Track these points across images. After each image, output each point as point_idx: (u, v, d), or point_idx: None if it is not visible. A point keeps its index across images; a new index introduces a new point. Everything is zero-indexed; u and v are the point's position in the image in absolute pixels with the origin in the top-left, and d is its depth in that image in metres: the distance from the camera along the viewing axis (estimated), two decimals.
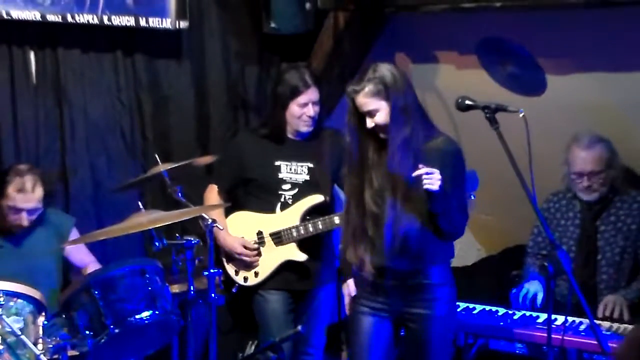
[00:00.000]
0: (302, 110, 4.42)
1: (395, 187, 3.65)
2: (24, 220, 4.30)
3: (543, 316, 4.18)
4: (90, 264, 4.56)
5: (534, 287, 4.37)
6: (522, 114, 3.27)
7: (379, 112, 3.63)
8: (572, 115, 4.75)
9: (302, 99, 4.41)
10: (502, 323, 4.15)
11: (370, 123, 3.65)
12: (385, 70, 3.65)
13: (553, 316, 3.88)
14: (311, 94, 4.43)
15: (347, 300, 4.11)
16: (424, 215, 3.65)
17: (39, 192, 4.31)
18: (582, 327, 4.06)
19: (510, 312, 4.29)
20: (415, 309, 3.77)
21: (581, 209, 4.53)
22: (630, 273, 4.44)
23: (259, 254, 4.48)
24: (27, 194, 4.26)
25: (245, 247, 4.46)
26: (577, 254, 4.50)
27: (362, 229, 3.73)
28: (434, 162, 3.57)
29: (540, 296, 4.33)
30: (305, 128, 4.47)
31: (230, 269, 4.55)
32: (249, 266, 4.49)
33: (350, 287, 4.05)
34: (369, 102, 3.63)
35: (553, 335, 3.42)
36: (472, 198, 4.23)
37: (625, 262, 4.43)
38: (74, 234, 4.52)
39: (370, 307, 3.81)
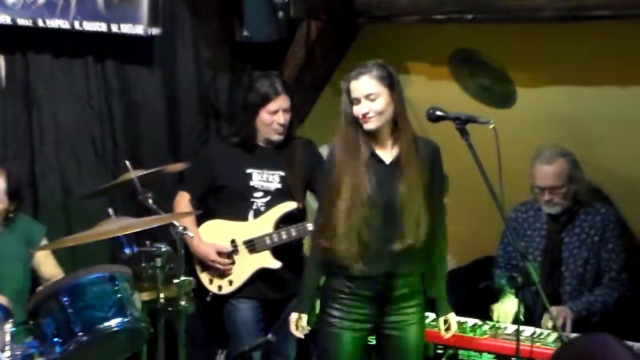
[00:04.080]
0: (272, 118, 4.43)
1: (403, 184, 3.67)
2: None
3: (512, 327, 4.21)
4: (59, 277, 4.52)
5: (509, 305, 4.37)
6: (492, 125, 3.30)
7: (380, 97, 3.65)
8: (542, 127, 4.79)
9: (272, 106, 4.42)
10: (471, 334, 4.17)
11: (365, 108, 3.64)
12: (385, 63, 3.73)
13: (521, 327, 3.92)
14: (281, 102, 4.43)
15: (298, 334, 3.94)
16: (426, 217, 3.69)
17: (2, 184, 4.26)
18: (551, 338, 4.08)
19: (479, 322, 4.31)
20: (399, 316, 3.80)
21: (547, 221, 4.56)
22: (593, 284, 4.47)
23: (233, 262, 4.47)
24: None
25: (219, 254, 4.45)
26: (542, 265, 4.53)
27: (355, 229, 3.69)
28: (430, 160, 3.74)
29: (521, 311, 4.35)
30: (276, 136, 4.48)
31: (204, 277, 4.53)
32: (223, 274, 4.48)
33: (302, 327, 3.91)
34: (372, 84, 3.65)
35: (521, 347, 3.43)
36: (445, 201, 4.25)
37: (588, 273, 4.47)
38: (44, 244, 4.49)
39: (350, 320, 3.79)
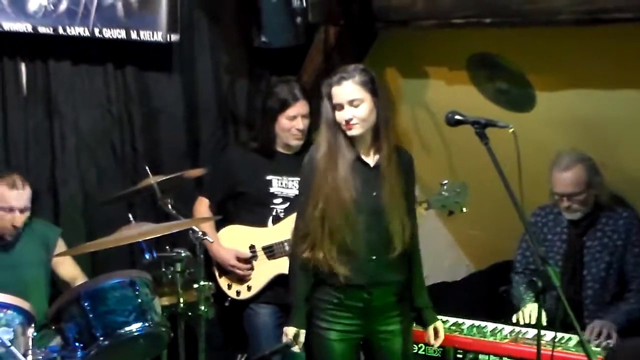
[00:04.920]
0: (291, 124, 4.44)
1: (385, 190, 3.66)
2: (18, 220, 4.30)
3: (532, 331, 4.20)
4: (78, 277, 4.55)
5: (530, 310, 4.37)
6: (512, 129, 3.29)
7: (363, 103, 3.61)
8: (561, 131, 4.77)
9: (291, 111, 4.43)
10: (491, 338, 4.16)
11: (348, 114, 3.60)
12: (367, 68, 3.70)
13: (542, 331, 3.91)
14: (300, 108, 4.44)
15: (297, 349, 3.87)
16: (407, 224, 3.70)
17: (29, 190, 4.34)
18: (572, 342, 4.07)
19: (499, 327, 4.29)
20: (386, 325, 3.80)
21: (568, 224, 4.54)
22: (615, 289, 4.45)
23: (252, 268, 4.48)
24: (19, 191, 4.28)
25: (239, 259, 4.46)
26: (564, 269, 4.51)
27: (336, 235, 3.67)
28: (406, 169, 3.75)
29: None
30: (294, 142, 4.49)
31: (222, 282, 4.55)
32: (241, 280, 4.49)
33: (301, 338, 3.82)
34: (355, 90, 3.61)
35: (542, 351, 3.42)
36: (464, 211, 4.26)
37: (610, 277, 4.45)
38: (60, 245, 4.52)
39: (340, 331, 3.77)
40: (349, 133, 3.64)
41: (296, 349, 3.84)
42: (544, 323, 4.25)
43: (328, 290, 3.75)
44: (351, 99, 3.60)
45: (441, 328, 3.94)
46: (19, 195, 4.28)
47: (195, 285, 3.89)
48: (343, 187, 3.63)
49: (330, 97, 3.66)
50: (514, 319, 4.36)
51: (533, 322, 4.27)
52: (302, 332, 3.79)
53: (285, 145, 4.52)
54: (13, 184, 4.28)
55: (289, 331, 3.79)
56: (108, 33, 4.76)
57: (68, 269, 4.56)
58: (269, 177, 4.48)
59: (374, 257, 3.70)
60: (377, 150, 3.70)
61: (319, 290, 3.78)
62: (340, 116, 3.62)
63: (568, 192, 4.40)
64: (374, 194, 3.68)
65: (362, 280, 3.70)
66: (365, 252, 3.69)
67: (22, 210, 4.31)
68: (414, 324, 3.97)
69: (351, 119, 3.61)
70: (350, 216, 3.65)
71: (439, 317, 4.00)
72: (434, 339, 3.92)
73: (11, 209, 4.28)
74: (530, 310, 4.34)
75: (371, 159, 3.72)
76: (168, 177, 4.44)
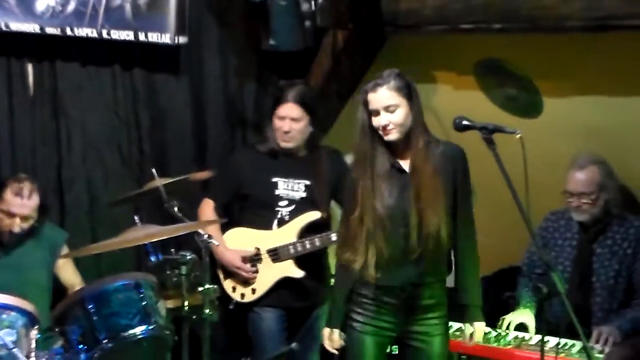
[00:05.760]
0: (280, 124, 4.44)
1: (419, 193, 3.64)
2: (16, 226, 4.30)
3: (536, 337, 4.19)
4: (76, 284, 4.54)
5: (519, 317, 4.37)
6: (519, 135, 3.28)
7: (399, 108, 3.62)
8: (569, 137, 4.76)
9: (280, 111, 4.43)
10: (495, 344, 4.15)
11: (385, 120, 3.62)
12: (402, 73, 3.70)
13: (546, 337, 3.90)
14: (288, 109, 4.42)
15: (332, 349, 3.89)
16: (446, 224, 3.68)
17: (35, 200, 4.33)
18: (575, 349, 4.06)
19: (503, 332, 4.29)
20: (423, 327, 3.78)
21: (579, 230, 4.53)
22: (624, 297, 4.43)
23: (257, 271, 4.48)
24: (23, 200, 4.27)
25: (244, 259, 4.46)
26: (572, 275, 4.50)
27: (373, 241, 3.67)
28: (452, 164, 3.70)
29: (531, 326, 4.32)
30: (283, 143, 4.46)
31: (227, 285, 4.54)
32: (246, 282, 4.48)
33: (335, 340, 3.85)
34: (391, 96, 3.62)
35: (546, 357, 3.41)
36: None
37: (619, 285, 4.43)
38: (65, 249, 4.52)
39: (373, 326, 3.77)
40: (386, 138, 3.66)
41: (332, 349, 3.85)
42: (531, 331, 4.27)
43: (368, 287, 3.75)
44: (387, 104, 3.62)
45: (480, 331, 3.87)
46: (22, 204, 4.28)
47: (200, 288, 3.88)
48: (377, 194, 3.65)
49: (366, 104, 3.68)
50: (500, 321, 4.36)
51: (510, 332, 4.29)
52: (336, 332, 3.82)
53: (291, 148, 4.51)
54: (19, 192, 4.27)
55: (326, 332, 3.83)
56: (116, 34, 4.77)
57: (68, 274, 4.57)
58: (274, 180, 4.47)
59: (411, 261, 3.68)
60: (412, 153, 3.70)
61: (359, 286, 3.78)
62: (377, 122, 3.64)
63: (579, 190, 4.39)
64: (409, 198, 3.67)
65: (397, 282, 3.70)
66: (401, 256, 3.68)
67: (23, 218, 4.31)
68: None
69: (388, 125, 3.63)
70: (384, 223, 3.65)
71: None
72: (469, 338, 3.87)
73: (11, 215, 4.29)
74: (510, 320, 4.35)
75: (407, 164, 3.72)
76: (174, 179, 4.44)
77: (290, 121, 4.42)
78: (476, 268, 3.87)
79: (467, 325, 3.86)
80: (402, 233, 3.66)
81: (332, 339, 3.83)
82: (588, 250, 4.50)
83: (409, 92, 3.65)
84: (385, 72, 3.68)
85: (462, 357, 4.13)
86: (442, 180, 3.69)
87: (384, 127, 3.63)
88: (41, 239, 4.44)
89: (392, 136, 3.65)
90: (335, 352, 3.88)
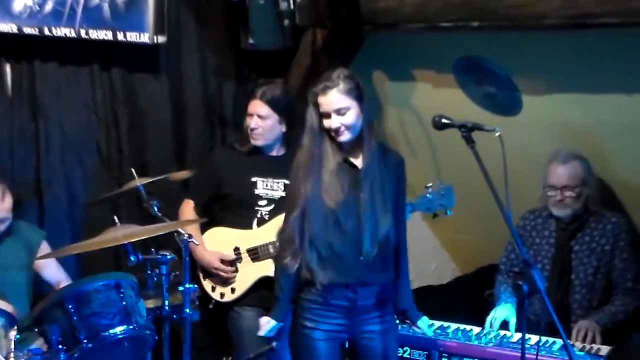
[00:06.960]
0: (249, 120, 4.45)
1: (371, 188, 3.66)
2: None
3: (517, 335, 4.20)
4: (62, 280, 4.53)
5: (502, 313, 4.39)
6: (498, 133, 3.29)
7: (350, 110, 3.64)
8: (547, 135, 4.78)
9: (249, 108, 4.46)
10: (476, 342, 4.16)
11: (336, 122, 3.63)
12: (351, 73, 3.70)
13: (527, 335, 3.91)
14: (254, 106, 4.44)
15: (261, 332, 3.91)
16: (393, 224, 3.71)
17: (9, 201, 4.30)
18: (556, 346, 4.08)
19: (484, 331, 4.30)
20: (372, 325, 3.81)
21: (556, 228, 4.55)
22: (602, 293, 4.45)
23: (236, 270, 4.47)
24: None
25: (222, 262, 4.45)
26: (551, 273, 4.52)
27: (319, 237, 3.70)
28: (396, 171, 3.75)
29: (512, 322, 4.34)
30: (252, 139, 4.47)
31: (207, 285, 4.53)
32: (225, 282, 4.47)
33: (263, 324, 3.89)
34: (341, 99, 3.63)
35: (527, 355, 3.42)
36: (449, 214, 4.27)
37: (597, 282, 4.45)
38: (43, 248, 4.49)
39: (325, 331, 3.79)
40: (338, 139, 3.68)
41: (261, 332, 3.86)
42: (512, 329, 4.29)
43: (313, 290, 3.76)
44: (337, 107, 3.63)
45: (426, 324, 3.97)
46: None
47: (180, 288, 3.88)
48: (326, 191, 3.66)
49: (316, 105, 3.68)
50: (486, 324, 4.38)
51: (495, 330, 4.30)
52: (273, 323, 3.83)
53: (268, 147, 4.51)
54: None
55: (263, 319, 3.84)
56: (94, 34, 4.75)
57: (52, 272, 4.54)
58: (254, 179, 4.47)
59: (357, 258, 3.70)
60: (363, 152, 3.71)
61: (305, 290, 3.80)
62: (328, 124, 3.66)
63: (563, 183, 4.41)
64: (361, 194, 3.69)
65: (347, 280, 3.72)
66: (352, 252, 3.70)
67: (0, 221, 4.28)
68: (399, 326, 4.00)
69: (339, 127, 3.64)
70: (334, 219, 3.66)
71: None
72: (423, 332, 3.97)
73: None
74: (494, 317, 4.36)
75: (359, 161, 3.73)
76: (154, 179, 4.43)
77: (257, 118, 4.43)
78: (407, 274, 3.93)
79: (417, 324, 3.95)
80: (354, 227, 3.68)
81: (266, 328, 3.85)
82: (566, 247, 4.52)
83: (359, 94, 3.66)
84: (335, 74, 3.68)
85: (444, 355, 4.13)
86: (391, 181, 3.74)
87: (336, 130, 3.65)
88: (16, 237, 4.41)
89: (344, 137, 3.67)
90: (262, 334, 3.88)
